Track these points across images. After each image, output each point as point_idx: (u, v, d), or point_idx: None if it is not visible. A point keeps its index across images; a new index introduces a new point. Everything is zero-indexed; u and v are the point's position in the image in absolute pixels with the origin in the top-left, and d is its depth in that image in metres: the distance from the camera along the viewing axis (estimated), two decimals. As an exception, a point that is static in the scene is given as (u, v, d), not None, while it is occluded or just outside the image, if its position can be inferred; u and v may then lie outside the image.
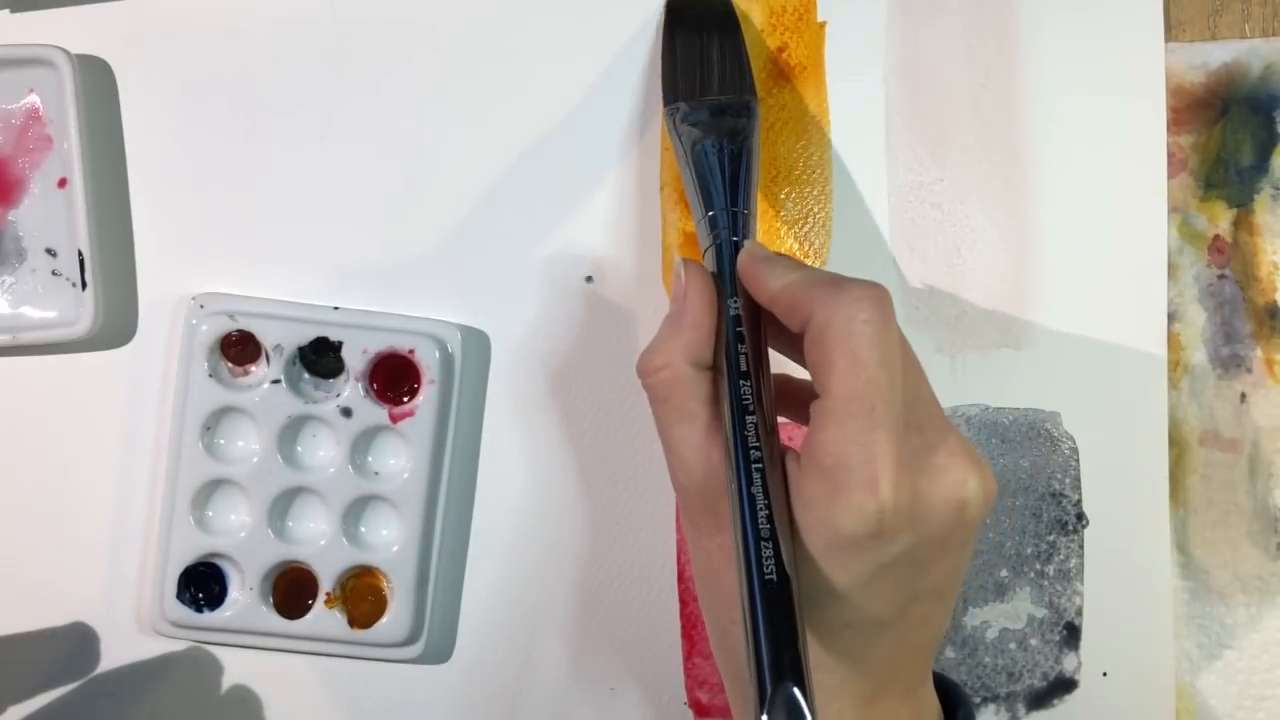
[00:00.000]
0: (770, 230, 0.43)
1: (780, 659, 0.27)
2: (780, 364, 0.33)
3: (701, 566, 0.32)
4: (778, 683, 0.27)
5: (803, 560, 0.29)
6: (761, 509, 0.29)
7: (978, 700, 0.43)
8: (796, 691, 0.27)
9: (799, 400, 0.34)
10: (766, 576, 0.28)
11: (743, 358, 0.31)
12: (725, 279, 0.33)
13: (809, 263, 0.43)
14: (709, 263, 0.34)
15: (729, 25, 0.41)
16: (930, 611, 0.31)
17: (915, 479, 0.29)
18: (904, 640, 0.31)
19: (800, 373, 0.33)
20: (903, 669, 0.32)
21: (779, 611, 0.28)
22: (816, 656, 0.30)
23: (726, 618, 0.32)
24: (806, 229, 0.43)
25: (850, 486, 0.28)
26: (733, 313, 0.32)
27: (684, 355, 0.32)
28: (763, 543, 0.28)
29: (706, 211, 0.34)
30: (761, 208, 0.43)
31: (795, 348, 0.33)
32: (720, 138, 0.36)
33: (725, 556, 0.31)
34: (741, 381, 0.31)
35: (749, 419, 0.30)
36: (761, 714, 0.27)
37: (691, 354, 0.32)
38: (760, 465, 0.29)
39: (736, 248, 0.33)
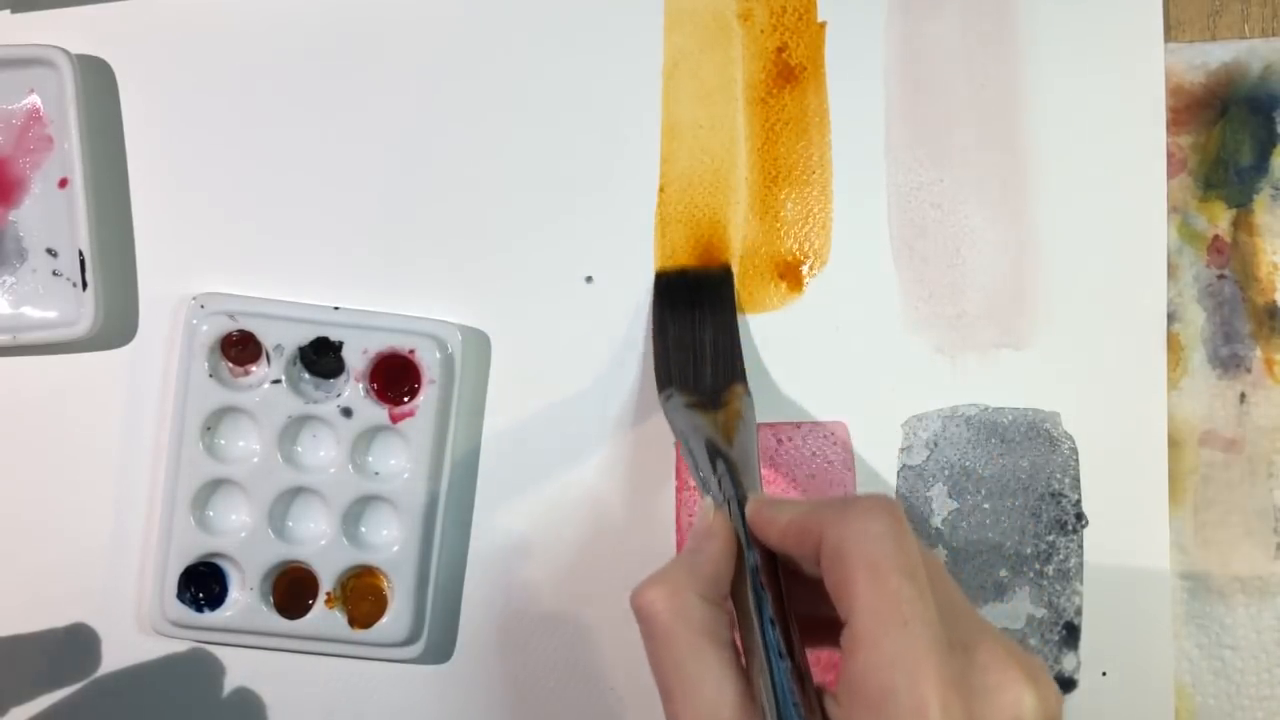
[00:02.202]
0: (770, 230, 0.43)
1: None
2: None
3: None
4: None
5: None
6: None
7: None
8: None
9: (821, 629, 0.32)
10: None
11: (769, 605, 0.29)
12: (740, 532, 0.32)
13: (808, 266, 0.43)
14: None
15: (722, 303, 0.42)
16: None
17: (967, 699, 0.26)
18: None
19: None
20: None
21: None
22: None
23: None
24: (806, 229, 0.44)
25: (899, 717, 0.26)
26: (751, 563, 0.31)
27: (694, 588, 0.30)
28: None
29: (712, 474, 0.34)
30: (762, 208, 0.43)
31: (815, 599, 0.31)
32: (713, 423, 0.38)
33: None
34: (771, 627, 0.29)
35: (782, 664, 0.28)
36: None
37: (703, 589, 0.30)
38: (802, 714, 0.27)
39: (742, 501, 0.32)
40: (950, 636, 0.27)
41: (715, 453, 0.35)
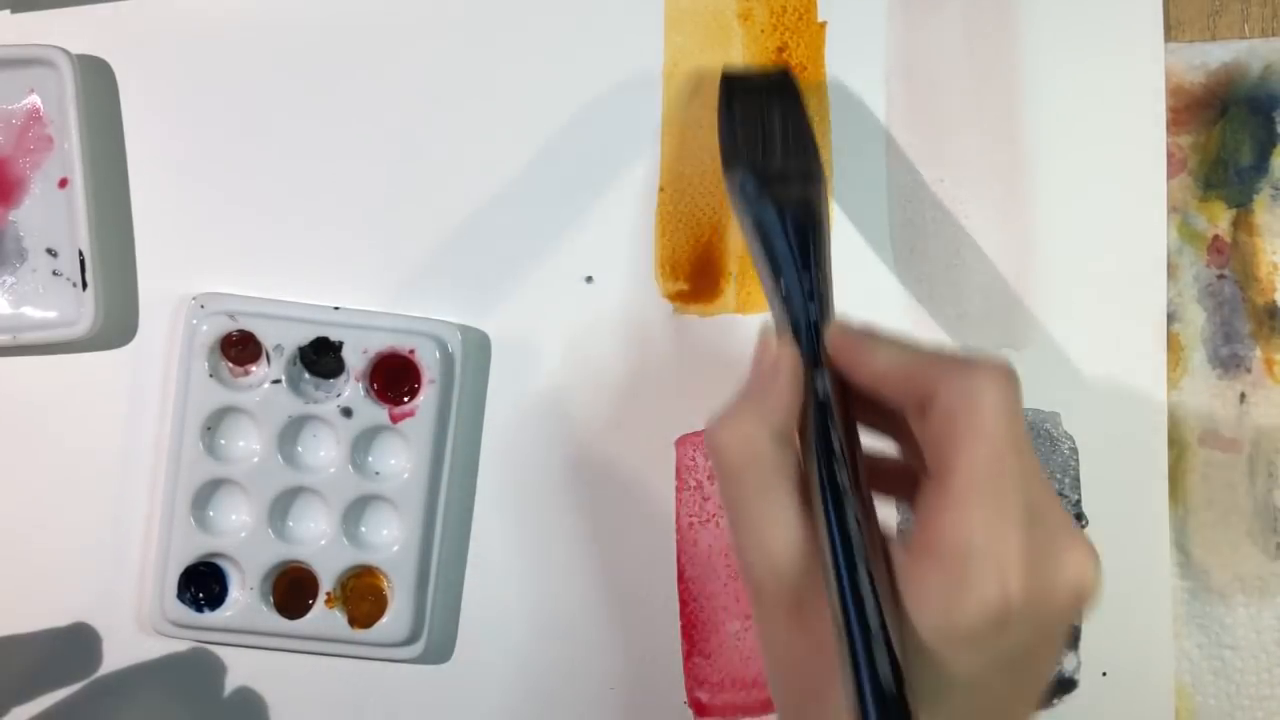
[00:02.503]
0: (770, 230, 0.43)
1: None
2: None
3: (779, 659, 0.30)
4: None
5: (910, 652, 0.27)
6: (871, 607, 0.27)
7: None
8: None
9: (885, 475, 0.32)
10: (881, 676, 0.26)
11: (836, 439, 0.29)
12: (807, 353, 0.30)
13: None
14: (786, 335, 0.31)
15: (789, 91, 0.38)
16: (1028, 696, 0.30)
17: (1040, 571, 0.27)
18: None
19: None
20: None
21: (893, 714, 0.26)
22: None
23: (809, 709, 0.29)
24: (806, 229, 0.43)
25: (975, 577, 0.26)
26: (821, 392, 0.30)
27: (766, 427, 0.29)
28: (875, 646, 0.26)
29: (779, 282, 0.32)
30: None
31: (881, 420, 0.31)
32: (788, 204, 0.33)
33: (810, 649, 0.29)
34: (836, 465, 0.28)
35: (847, 503, 0.28)
36: None
37: (775, 426, 0.29)
38: (865, 557, 0.27)
39: (816, 323, 0.31)
40: (1031, 506, 0.27)
41: (783, 252, 0.32)
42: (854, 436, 0.30)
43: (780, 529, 0.29)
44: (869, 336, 0.30)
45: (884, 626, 0.27)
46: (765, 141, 0.36)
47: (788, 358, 0.30)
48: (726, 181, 0.36)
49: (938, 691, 0.27)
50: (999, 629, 0.26)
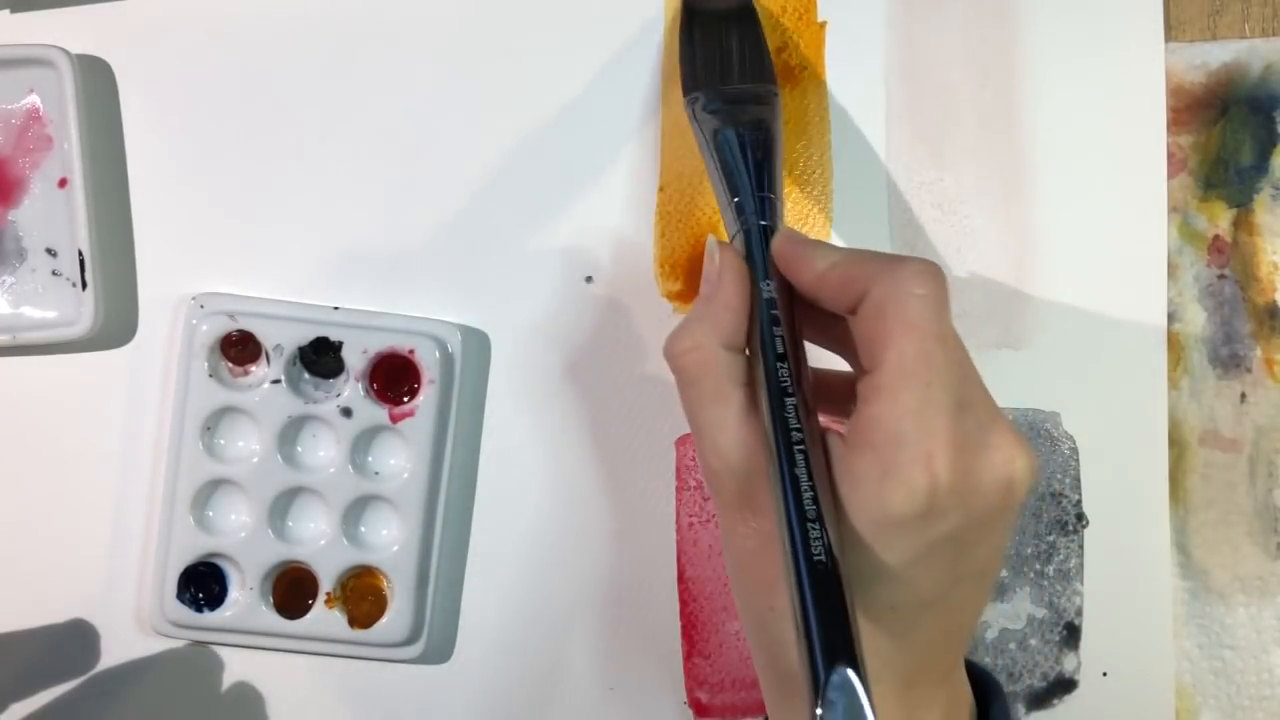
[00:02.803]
0: (770, 230, 0.43)
1: (834, 642, 0.27)
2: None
3: (735, 553, 0.32)
4: (831, 666, 0.26)
5: (847, 541, 0.28)
6: (806, 490, 0.28)
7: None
8: (851, 674, 0.26)
9: (830, 393, 0.33)
10: (815, 558, 0.27)
11: (779, 340, 0.31)
12: (757, 263, 0.32)
13: None
14: (737, 248, 0.34)
15: (747, 16, 0.41)
16: (971, 594, 0.31)
17: (968, 458, 0.28)
18: (944, 624, 0.30)
19: (827, 361, 0.33)
20: (941, 654, 0.31)
21: (829, 593, 0.27)
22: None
23: (763, 605, 0.31)
24: (806, 229, 0.43)
25: (903, 464, 0.27)
26: (766, 295, 0.32)
27: (716, 336, 0.31)
28: (809, 524, 0.28)
29: (732, 198, 0.34)
30: (761, 208, 0.43)
31: (825, 334, 0.33)
32: (742, 126, 0.36)
33: (760, 542, 0.31)
34: (779, 364, 0.30)
35: (789, 400, 0.29)
36: (816, 699, 0.26)
37: (724, 335, 0.31)
38: (803, 446, 0.29)
39: (765, 232, 0.33)
40: (961, 397, 0.28)
41: (738, 168, 0.34)
42: (797, 341, 0.31)
43: (731, 430, 0.30)
44: (812, 242, 0.32)
45: (819, 513, 0.28)
46: (723, 64, 0.39)
47: (732, 266, 0.32)
48: (685, 103, 0.38)
49: (876, 579, 0.29)
50: (927, 514, 0.28)
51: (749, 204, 0.34)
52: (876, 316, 0.29)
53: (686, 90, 0.39)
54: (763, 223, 0.33)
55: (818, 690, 0.26)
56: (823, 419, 0.31)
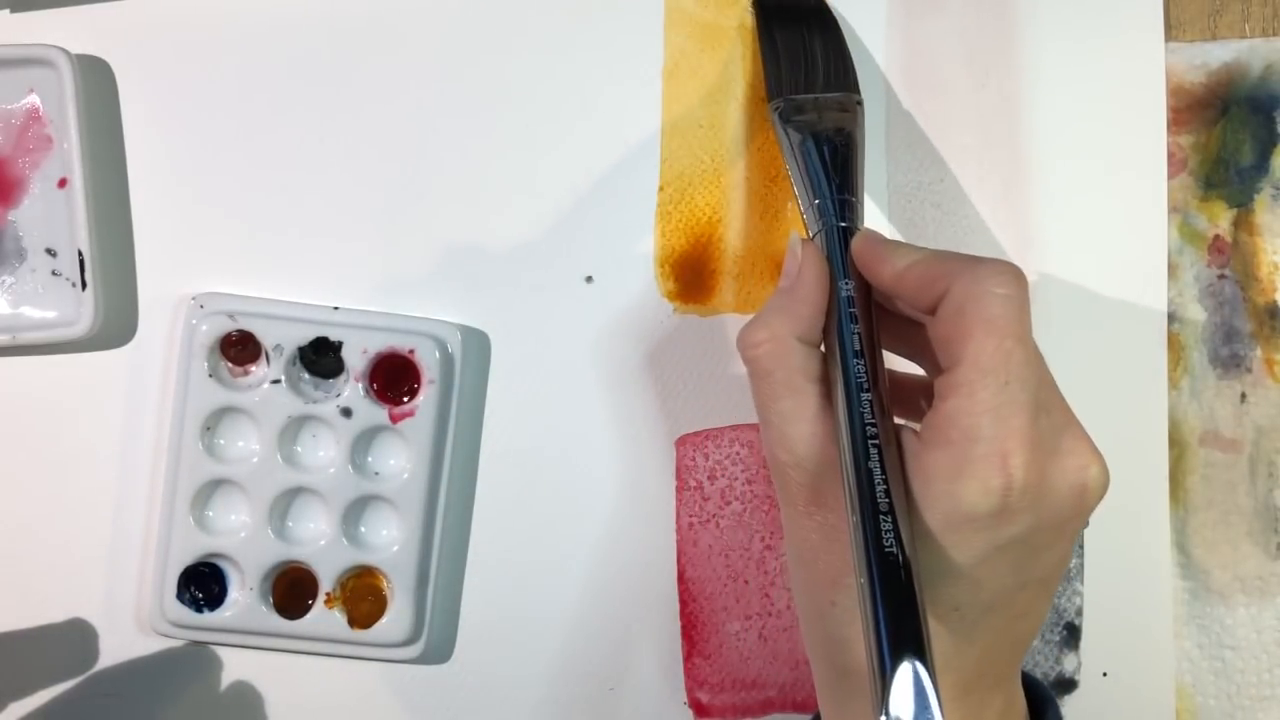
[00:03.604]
0: (770, 230, 0.43)
1: (902, 634, 0.27)
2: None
3: (798, 547, 0.32)
4: (899, 658, 0.26)
5: (918, 538, 0.28)
6: (880, 483, 0.28)
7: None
8: (919, 667, 0.26)
9: (903, 395, 0.34)
10: (887, 550, 0.28)
11: (856, 337, 0.31)
12: (835, 262, 0.33)
13: None
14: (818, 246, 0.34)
15: (827, 22, 0.42)
16: (1034, 601, 0.31)
17: (1042, 460, 0.28)
18: (1007, 629, 0.30)
19: (900, 365, 0.33)
20: (1000, 659, 0.31)
21: (899, 586, 0.27)
22: None
23: (825, 599, 0.31)
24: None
25: (979, 461, 0.27)
26: (845, 294, 0.32)
27: (792, 329, 0.31)
28: (881, 516, 0.28)
29: (813, 199, 0.35)
30: (762, 208, 0.43)
31: (900, 339, 0.33)
32: (825, 133, 0.37)
33: (826, 536, 0.31)
34: (856, 359, 0.31)
35: (864, 395, 0.30)
36: (885, 691, 0.26)
37: (800, 328, 0.31)
38: (877, 441, 0.29)
39: (844, 234, 0.33)
40: (1039, 399, 0.28)
41: (819, 173, 0.35)
42: (874, 340, 0.32)
43: (803, 423, 0.31)
44: (892, 242, 0.32)
45: (891, 505, 0.28)
46: (808, 72, 0.40)
47: (813, 262, 0.32)
48: (769, 107, 0.39)
49: (944, 578, 0.28)
50: (1000, 513, 0.27)
51: (829, 206, 0.34)
52: (956, 315, 0.29)
53: (771, 95, 0.40)
54: (842, 224, 0.34)
55: (885, 682, 0.26)
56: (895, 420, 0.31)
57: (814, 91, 0.39)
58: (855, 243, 0.33)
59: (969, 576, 0.29)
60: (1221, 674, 0.43)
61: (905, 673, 0.26)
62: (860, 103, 0.39)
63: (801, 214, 0.36)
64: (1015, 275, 0.29)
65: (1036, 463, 0.28)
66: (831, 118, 0.38)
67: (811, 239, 0.34)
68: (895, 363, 0.34)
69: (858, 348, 0.31)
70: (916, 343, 0.33)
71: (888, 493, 0.28)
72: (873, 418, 0.30)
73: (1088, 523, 0.30)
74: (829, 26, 0.41)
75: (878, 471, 0.29)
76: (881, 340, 0.33)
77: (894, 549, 0.28)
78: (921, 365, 0.34)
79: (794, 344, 0.31)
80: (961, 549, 0.28)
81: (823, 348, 0.32)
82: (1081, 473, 0.29)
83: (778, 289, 0.33)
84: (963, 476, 0.28)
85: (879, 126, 0.43)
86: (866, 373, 0.30)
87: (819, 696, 0.33)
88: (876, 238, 0.33)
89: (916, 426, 0.30)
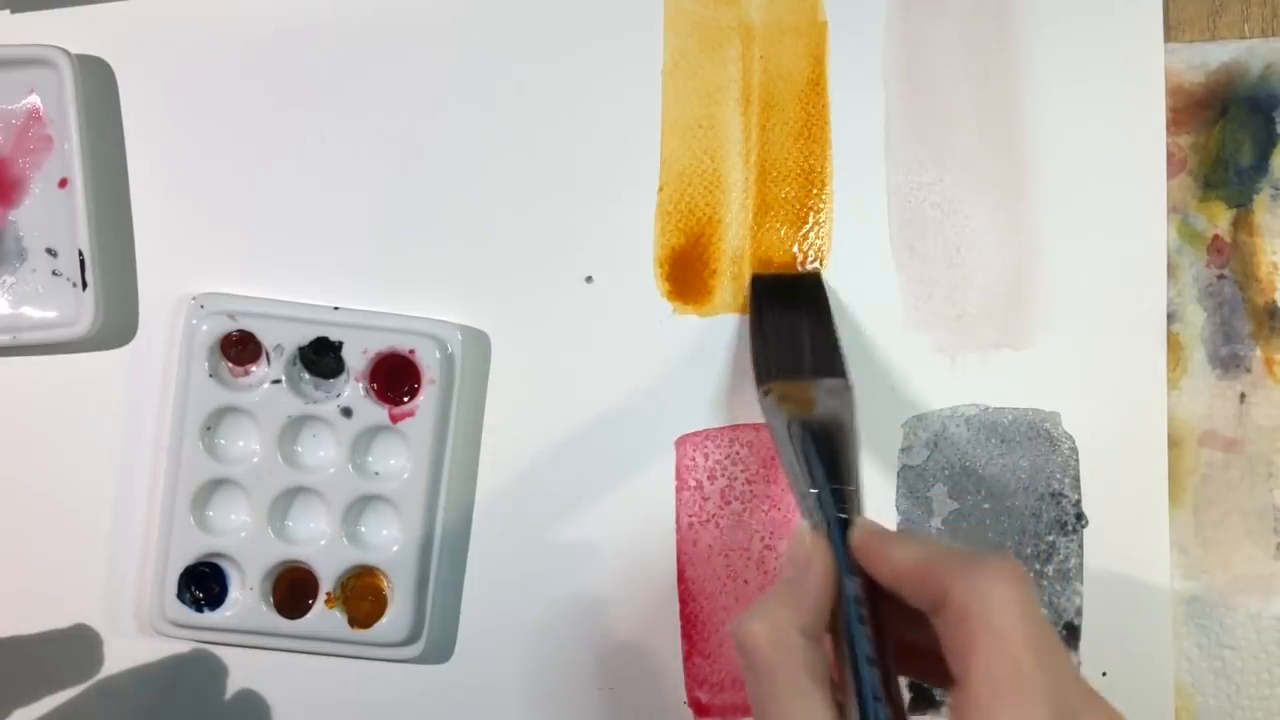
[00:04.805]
0: (771, 231, 0.43)
1: None
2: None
3: None
4: None
5: None
6: None
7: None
8: None
9: (931, 664, 0.32)
10: None
11: (868, 643, 0.29)
12: (839, 557, 0.31)
13: (808, 266, 0.43)
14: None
15: (818, 304, 0.41)
16: None
17: None
18: None
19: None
20: None
21: None
22: None
23: None
24: (806, 229, 0.43)
25: None
26: (852, 593, 0.30)
27: (797, 622, 0.29)
28: None
29: (809, 489, 0.33)
30: (761, 208, 0.43)
31: (917, 625, 0.31)
32: (815, 419, 0.35)
33: None
34: (869, 668, 0.29)
35: (878, 706, 0.28)
36: None
37: (805, 623, 0.30)
38: None
39: (843, 524, 0.32)
40: (1058, 707, 0.27)
41: (813, 460, 0.34)
42: (885, 638, 0.30)
43: None
44: (889, 536, 0.31)
45: None
46: (795, 356, 0.39)
47: (820, 556, 0.31)
48: (759, 393, 0.38)
49: None
50: None
51: (826, 497, 0.33)
52: (960, 623, 0.27)
53: (760, 381, 0.39)
54: (840, 515, 0.32)
55: None
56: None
57: (803, 378, 0.38)
58: (853, 538, 0.31)
59: None
60: (1221, 674, 0.43)
61: None
62: (850, 389, 0.38)
63: (798, 502, 0.34)
64: (1014, 573, 0.28)
65: None
66: (821, 403, 0.37)
67: (813, 529, 0.33)
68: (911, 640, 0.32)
69: (870, 654, 0.29)
70: (933, 635, 0.30)
71: None
72: None
73: None
74: (820, 309, 0.41)
75: None
76: (898, 628, 0.31)
77: None
78: (948, 660, 0.32)
79: (798, 639, 0.29)
80: None
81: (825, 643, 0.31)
82: None
83: (782, 579, 0.31)
84: None
85: (879, 126, 0.43)
86: (880, 682, 0.29)
87: None
88: (873, 531, 0.31)
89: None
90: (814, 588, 0.30)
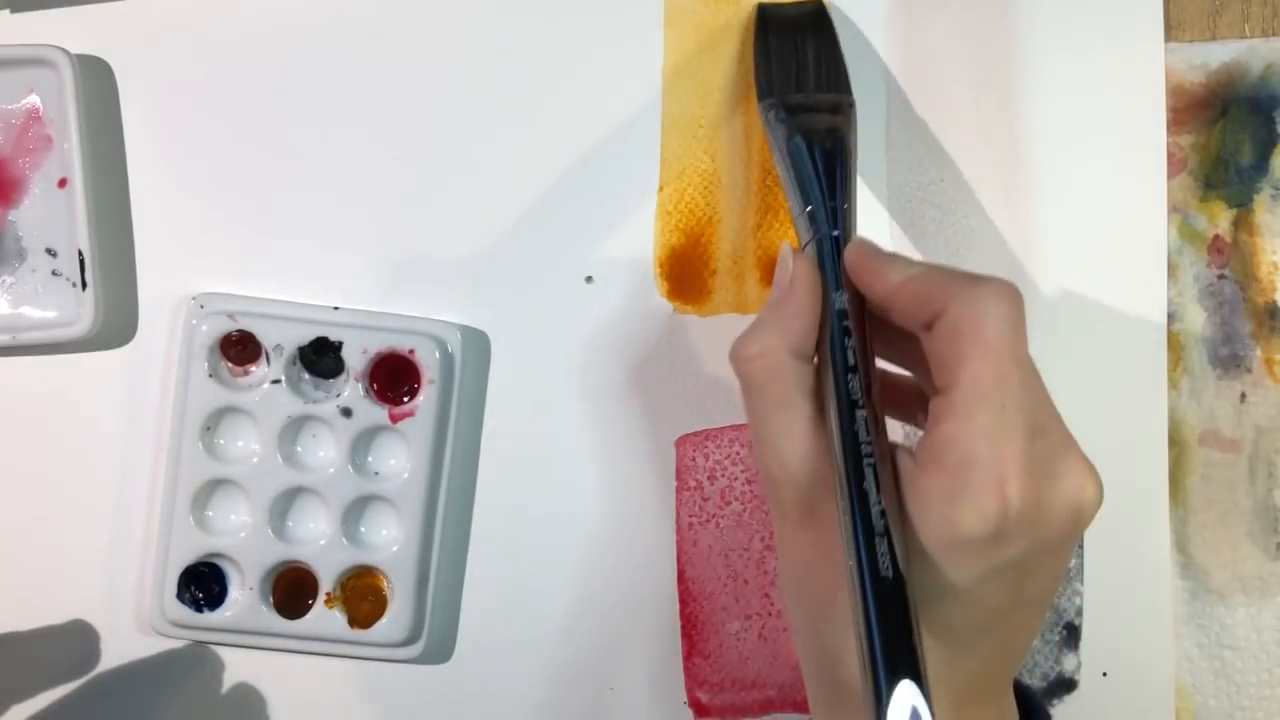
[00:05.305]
0: (771, 231, 0.43)
1: (897, 655, 0.27)
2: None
3: (791, 563, 0.31)
4: (894, 679, 0.26)
5: (913, 558, 0.28)
6: (875, 504, 0.28)
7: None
8: (915, 687, 0.26)
9: (898, 399, 0.33)
10: (882, 573, 0.27)
11: (850, 351, 0.30)
12: (828, 273, 0.32)
13: None
14: (810, 256, 0.33)
15: (823, 25, 0.41)
16: (1029, 618, 0.30)
17: (1039, 484, 0.28)
18: (1000, 646, 0.30)
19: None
20: (993, 675, 0.31)
21: (895, 608, 0.27)
22: None
23: (819, 615, 0.31)
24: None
25: (975, 486, 0.27)
26: (838, 306, 0.31)
27: (785, 343, 0.31)
28: (877, 538, 0.28)
29: (805, 206, 0.34)
30: (762, 207, 0.43)
31: (896, 349, 0.32)
32: (816, 134, 0.35)
33: (820, 553, 0.30)
34: (849, 375, 0.30)
35: (859, 413, 0.29)
36: (880, 712, 0.26)
37: (793, 342, 0.31)
38: (872, 460, 0.29)
39: (837, 242, 0.32)
40: (1035, 420, 0.28)
41: (810, 177, 0.34)
42: (868, 354, 0.31)
43: (796, 439, 0.30)
44: (885, 254, 0.31)
45: (887, 526, 0.28)
46: (799, 74, 0.39)
47: (805, 275, 0.32)
48: (760, 109, 0.38)
49: (938, 599, 0.28)
50: (996, 537, 0.27)
51: (821, 213, 0.33)
52: (952, 335, 0.29)
53: (761, 97, 0.39)
54: (835, 232, 0.33)
55: (880, 703, 0.26)
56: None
57: (805, 90, 0.38)
58: (848, 253, 0.32)
59: (964, 597, 0.28)
60: (1221, 674, 0.43)
61: (901, 693, 0.26)
62: (853, 105, 0.38)
63: (793, 221, 0.35)
64: (1012, 295, 0.29)
65: (1033, 487, 0.28)
66: (824, 119, 0.36)
67: (803, 249, 0.33)
68: (888, 361, 0.33)
69: (851, 363, 0.30)
70: (912, 355, 0.32)
71: (883, 514, 0.28)
72: (867, 436, 0.29)
73: (1078, 541, 0.30)
74: (824, 30, 0.41)
75: (873, 493, 0.28)
76: (876, 351, 0.32)
77: (889, 573, 0.28)
78: (917, 377, 0.34)
79: (787, 358, 0.31)
80: (956, 571, 0.28)
81: (815, 360, 0.32)
82: (1078, 494, 0.29)
83: (768, 301, 0.32)
84: (959, 501, 0.27)
85: (879, 126, 0.43)
86: (860, 388, 0.30)
87: (812, 710, 0.33)
88: (870, 248, 0.32)
89: (910, 448, 0.30)
90: (799, 306, 0.31)
